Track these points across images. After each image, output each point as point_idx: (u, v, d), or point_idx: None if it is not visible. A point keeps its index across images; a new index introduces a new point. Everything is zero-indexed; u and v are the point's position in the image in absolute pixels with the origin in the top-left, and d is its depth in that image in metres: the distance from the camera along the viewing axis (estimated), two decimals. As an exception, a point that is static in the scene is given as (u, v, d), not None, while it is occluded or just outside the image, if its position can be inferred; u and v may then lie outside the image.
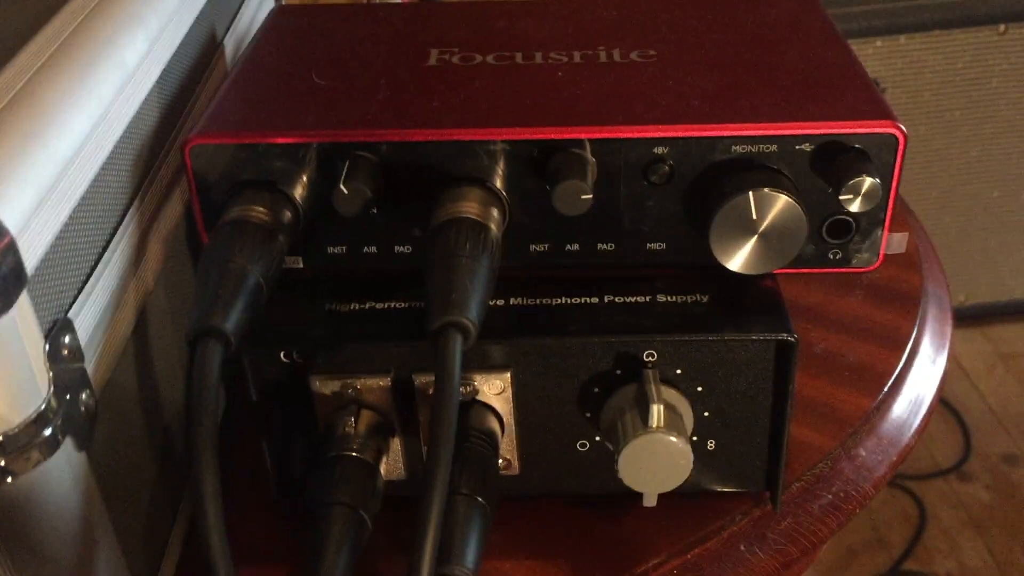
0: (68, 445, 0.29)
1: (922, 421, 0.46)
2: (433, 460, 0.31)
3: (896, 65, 1.53)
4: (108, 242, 0.33)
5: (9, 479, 0.27)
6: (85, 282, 0.31)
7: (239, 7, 0.51)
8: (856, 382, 0.46)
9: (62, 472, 0.28)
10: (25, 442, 0.27)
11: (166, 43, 0.39)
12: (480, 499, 0.35)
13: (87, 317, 0.31)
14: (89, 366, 0.30)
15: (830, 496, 0.42)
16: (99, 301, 0.32)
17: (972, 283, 1.74)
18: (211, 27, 0.46)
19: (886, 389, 0.46)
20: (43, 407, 0.27)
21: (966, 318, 1.77)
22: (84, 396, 0.30)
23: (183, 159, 0.36)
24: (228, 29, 0.49)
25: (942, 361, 0.50)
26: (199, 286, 0.33)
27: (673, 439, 0.35)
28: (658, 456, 0.35)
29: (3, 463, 0.27)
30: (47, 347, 0.28)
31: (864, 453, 0.44)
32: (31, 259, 0.27)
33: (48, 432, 0.28)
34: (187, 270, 0.40)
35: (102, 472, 0.31)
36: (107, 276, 0.32)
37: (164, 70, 0.39)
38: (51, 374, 0.28)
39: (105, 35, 0.35)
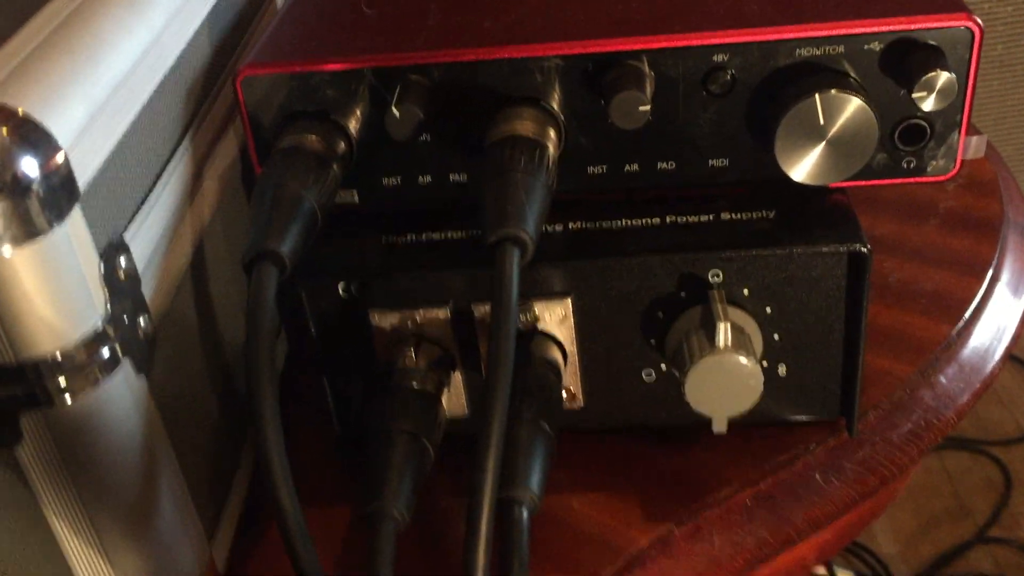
0: (127, 367, 0.28)
1: (1006, 349, 0.44)
2: (493, 379, 0.30)
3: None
4: (162, 170, 0.33)
5: (69, 398, 0.27)
6: (139, 207, 0.31)
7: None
8: (934, 310, 0.44)
9: (122, 394, 0.28)
10: (84, 360, 0.27)
11: (216, -21, 0.39)
12: (544, 425, 0.34)
13: (142, 242, 0.31)
14: (146, 291, 0.30)
15: (910, 424, 0.40)
16: (154, 227, 0.32)
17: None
18: (261, -29, 0.46)
19: (967, 316, 0.44)
20: (100, 325, 0.27)
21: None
22: (142, 321, 0.30)
23: (235, 90, 0.36)
24: (278, -24, 0.49)
25: (1026, 289, 0.47)
26: (254, 211, 0.32)
27: (742, 358, 0.34)
28: (726, 377, 0.34)
29: (63, 382, 0.27)
30: (102, 266, 0.28)
31: (944, 380, 0.42)
32: (83, 175, 0.27)
33: (106, 352, 0.27)
34: (243, 209, 0.40)
35: (163, 400, 0.31)
36: (161, 204, 0.32)
37: (215, 4, 0.38)
38: (107, 293, 0.28)
39: (153, -32, 0.35)
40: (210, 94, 0.37)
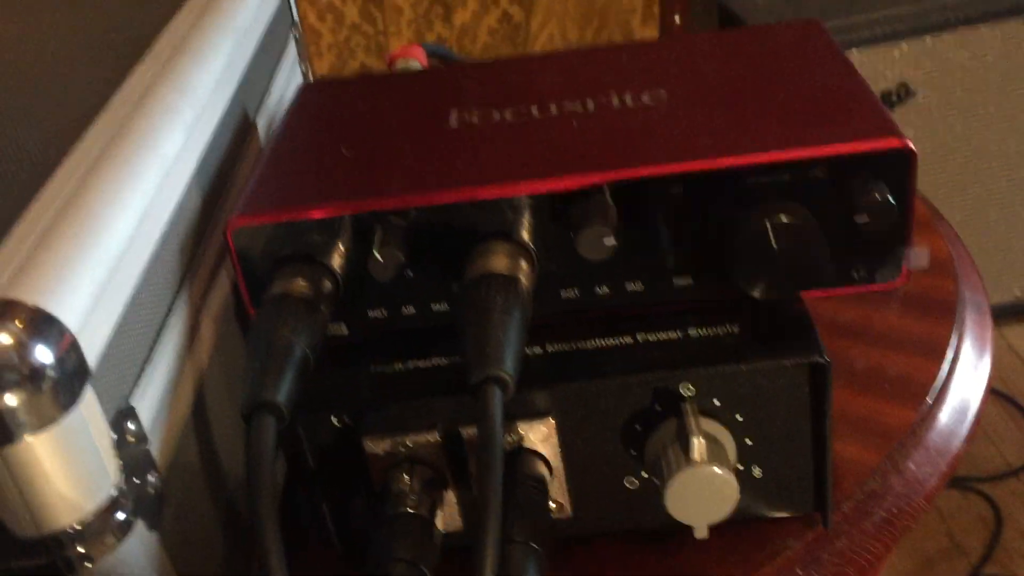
0: (140, 527, 0.30)
1: (970, 428, 0.46)
2: (483, 511, 0.32)
3: (925, 66, 1.52)
4: (161, 327, 0.35)
5: (88, 564, 0.29)
6: (143, 368, 0.33)
7: (268, 86, 0.54)
8: (899, 394, 0.47)
9: (137, 553, 0.30)
10: (100, 528, 0.29)
11: (202, 131, 0.42)
12: (534, 545, 0.36)
13: (148, 401, 0.33)
14: (153, 448, 0.32)
15: (883, 512, 0.42)
16: (158, 384, 0.34)
17: (1026, 277, 1.71)
18: (243, 108, 0.48)
19: (930, 399, 0.46)
20: (115, 493, 0.29)
21: (1023, 311, 1.74)
22: (151, 478, 0.32)
23: (225, 241, 0.38)
24: (259, 108, 0.51)
25: (985, 366, 0.50)
26: (249, 362, 0.35)
27: (716, 470, 0.36)
28: (704, 488, 0.36)
29: (83, 549, 0.29)
30: (113, 435, 0.30)
31: (913, 466, 0.44)
32: (92, 354, 0.29)
33: (121, 516, 0.29)
34: (239, 344, 0.42)
35: (173, 548, 0.33)
36: (164, 360, 0.34)
37: (202, 156, 0.41)
38: (119, 461, 0.30)
39: (145, 133, 0.37)
40: (201, 244, 0.40)
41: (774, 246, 0.36)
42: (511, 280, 0.36)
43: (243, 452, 0.38)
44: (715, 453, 0.36)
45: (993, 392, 1.65)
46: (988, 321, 0.53)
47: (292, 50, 0.61)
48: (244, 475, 0.38)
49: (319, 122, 0.46)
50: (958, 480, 1.48)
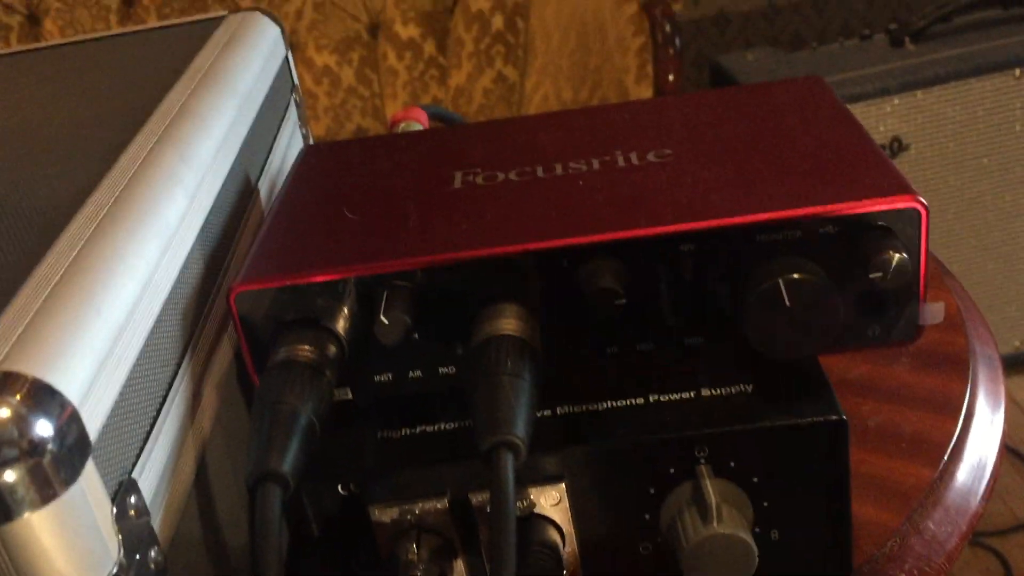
0: (140, 603, 0.29)
1: (988, 486, 0.46)
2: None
3: (916, 120, 1.54)
4: (164, 397, 0.34)
5: (87, 644, 0.27)
6: (146, 440, 0.32)
7: (270, 150, 0.54)
8: (915, 453, 0.46)
9: (137, 631, 0.29)
10: (100, 606, 0.28)
11: (204, 196, 0.41)
12: (549, 614, 0.35)
13: (150, 475, 0.32)
14: (155, 522, 0.31)
15: (903, 575, 0.41)
16: (160, 456, 0.33)
17: (1025, 328, 1.71)
18: (245, 173, 0.48)
19: (946, 457, 0.45)
20: (115, 571, 0.28)
21: (1023, 364, 1.74)
22: (152, 553, 0.31)
23: (229, 307, 0.37)
24: (261, 172, 0.51)
25: (999, 420, 0.49)
26: (254, 431, 0.34)
27: (734, 534, 0.35)
28: (721, 553, 0.35)
29: (81, 628, 0.27)
30: (114, 510, 0.29)
31: (933, 526, 0.43)
32: (93, 426, 0.28)
33: (121, 593, 0.28)
34: (242, 412, 0.41)
35: (175, 626, 0.32)
36: (166, 431, 0.34)
37: (204, 222, 0.40)
38: (120, 536, 0.29)
39: (147, 199, 0.37)
40: (204, 311, 0.39)
41: (787, 304, 0.35)
42: (520, 342, 0.35)
43: (247, 523, 0.37)
44: (732, 516, 0.35)
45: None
46: (1000, 375, 0.52)
47: (293, 114, 0.62)
48: (248, 547, 0.37)
49: (322, 185, 0.45)
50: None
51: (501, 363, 0.34)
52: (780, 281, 0.35)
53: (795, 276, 0.35)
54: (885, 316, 0.37)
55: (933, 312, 0.37)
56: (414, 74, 1.70)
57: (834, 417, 0.36)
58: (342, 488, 0.38)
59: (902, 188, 0.36)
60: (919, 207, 0.35)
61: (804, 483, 0.37)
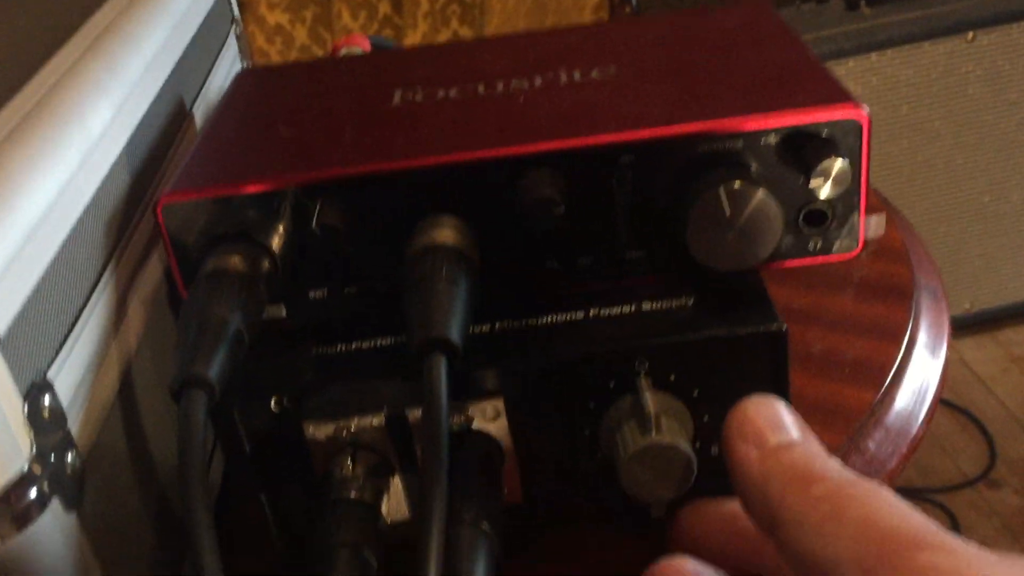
0: (56, 506, 0.28)
1: (928, 411, 0.46)
2: (428, 484, 0.30)
3: (871, 83, 1.54)
4: (84, 304, 0.33)
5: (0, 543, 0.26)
6: (63, 343, 0.31)
7: (206, 78, 0.52)
8: (857, 377, 0.46)
9: (52, 534, 0.28)
10: (12, 504, 0.27)
11: (132, 111, 0.40)
12: (485, 526, 0.34)
13: (67, 378, 0.30)
14: (73, 427, 0.30)
15: (843, 493, 0.41)
16: (79, 362, 0.32)
17: (975, 290, 1.74)
18: (179, 96, 0.47)
19: (888, 381, 0.45)
20: (26, 468, 0.27)
21: (974, 325, 1.77)
22: (69, 457, 0.30)
23: (155, 219, 0.36)
24: (196, 98, 0.49)
25: (942, 351, 0.49)
26: (180, 339, 0.33)
27: (672, 443, 0.34)
28: (660, 463, 0.35)
29: (-9, 528, 0.26)
30: (26, 408, 0.28)
31: (873, 446, 0.43)
32: (2, 321, 0.27)
33: (33, 494, 0.27)
34: (171, 333, 0.40)
35: (96, 535, 0.31)
36: (86, 337, 0.32)
37: (132, 137, 0.39)
38: (33, 435, 0.28)
39: (69, 105, 0.35)
40: (131, 223, 0.38)
41: (727, 213, 0.35)
42: (457, 252, 0.35)
43: (175, 435, 0.36)
44: (672, 428, 0.35)
45: (947, 404, 1.67)
46: (944, 307, 0.52)
47: (233, 46, 0.60)
48: (176, 463, 0.36)
49: (257, 104, 0.44)
50: (914, 491, 1.49)
51: (436, 271, 0.33)
52: (721, 190, 0.35)
53: (736, 184, 0.34)
54: (827, 228, 0.37)
55: (875, 223, 0.37)
56: (369, 32, 1.68)
57: (774, 326, 0.35)
58: (275, 404, 0.37)
59: (844, 98, 0.36)
60: (860, 117, 0.35)
61: (744, 394, 0.37)
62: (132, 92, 0.40)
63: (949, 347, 0.49)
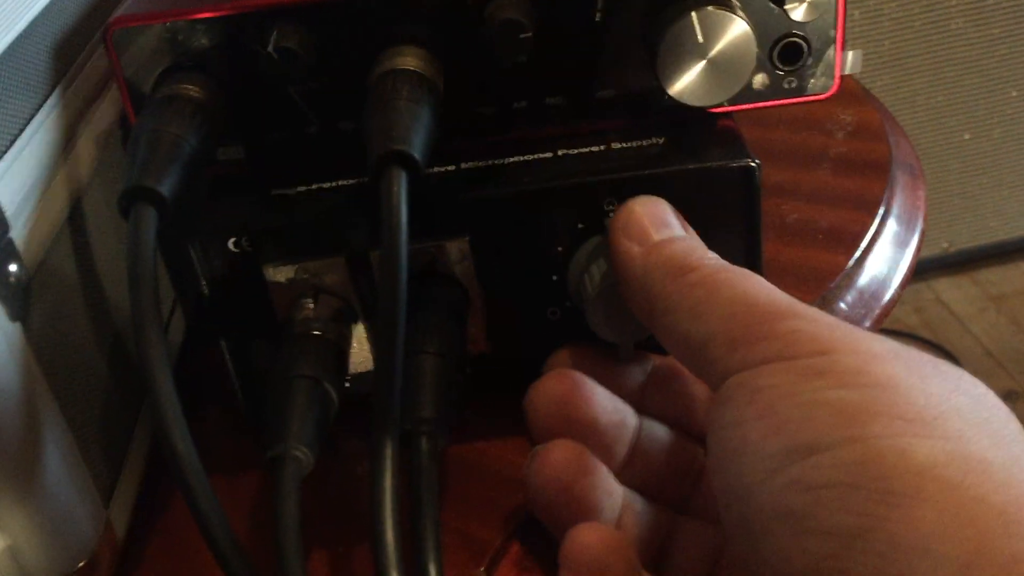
0: (-1, 311, 0.27)
1: (903, 278, 0.45)
2: (387, 303, 0.29)
3: (853, 16, 1.52)
4: (29, 119, 0.31)
5: (-65, 341, 0.25)
6: (5, 151, 0.30)
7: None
8: (831, 243, 0.45)
9: (-6, 338, 0.27)
10: (-52, 299, 0.25)
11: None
12: (450, 361, 0.33)
13: (9, 186, 0.29)
14: (17, 239, 0.29)
15: (815, 349, 0.40)
16: (21, 176, 0.30)
17: (954, 229, 1.74)
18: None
19: (863, 245, 0.45)
20: (-36, 265, 0.26)
21: (952, 264, 1.77)
22: (13, 267, 0.28)
23: (105, 44, 0.34)
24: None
25: (919, 223, 0.49)
26: (129, 157, 0.31)
27: (640, 274, 0.33)
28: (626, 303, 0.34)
29: (-73, 325, 0.25)
30: (-36, 204, 0.26)
31: (846, 307, 0.42)
32: (-63, 107, 0.25)
33: (-27, 293, 0.26)
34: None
35: (44, 352, 0.30)
36: (29, 154, 0.31)
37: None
38: (-29, 235, 0.26)
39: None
40: (82, 52, 0.36)
41: (699, 39, 0.34)
42: (420, 76, 0.33)
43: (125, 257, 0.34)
44: (640, 264, 0.34)
45: (923, 341, 1.68)
46: (921, 183, 0.51)
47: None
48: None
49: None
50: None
51: (397, 91, 0.32)
52: (693, 15, 0.33)
53: (709, 8, 0.33)
54: (802, 63, 0.36)
55: (852, 59, 0.36)
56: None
57: (745, 160, 0.34)
58: (233, 245, 0.36)
59: (821, -77, 0.35)
60: (837, -62, 0.34)
61: (717, 235, 0.36)
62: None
63: (924, 221, 0.49)
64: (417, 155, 0.30)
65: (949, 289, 1.78)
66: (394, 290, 0.29)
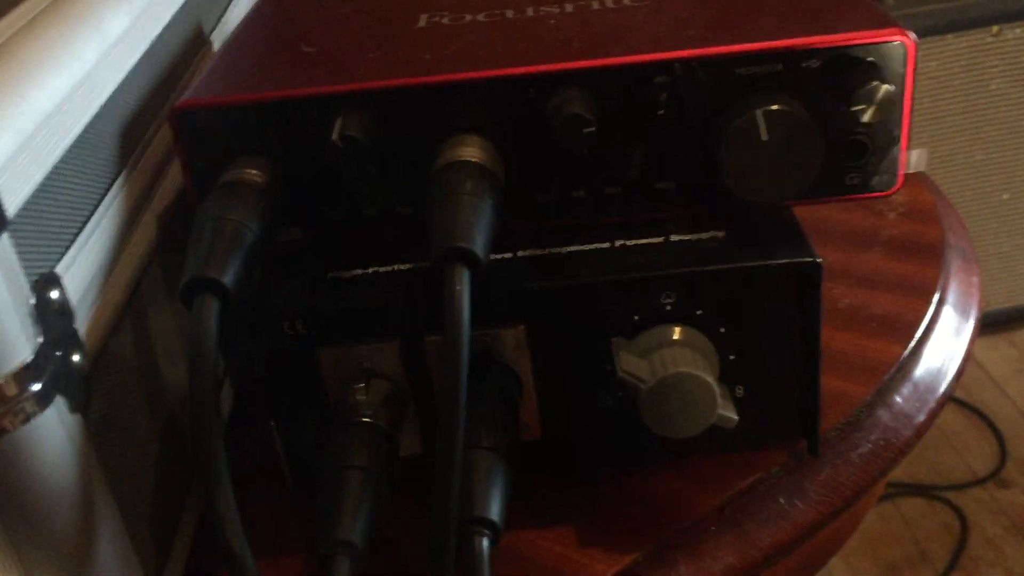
0: (60, 404, 0.27)
1: (959, 368, 0.44)
2: (449, 398, 0.29)
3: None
4: (96, 205, 0.32)
5: (4, 432, 0.25)
6: (73, 241, 0.30)
7: (227, 5, 0.51)
8: (885, 331, 0.44)
9: (55, 431, 0.27)
10: (14, 393, 0.25)
11: (151, 20, 0.39)
12: (504, 454, 0.33)
13: (76, 277, 0.29)
14: (80, 328, 0.29)
15: (869, 444, 0.40)
16: (88, 263, 0.30)
17: (990, 289, 1.71)
18: (198, 21, 0.45)
19: (918, 335, 0.44)
20: (30, 359, 0.26)
21: (988, 325, 1.74)
22: (76, 357, 0.28)
23: (171, 126, 0.35)
24: (215, 26, 0.48)
25: (973, 311, 0.48)
26: (191, 244, 0.31)
27: (695, 372, 0.33)
28: (682, 394, 0.33)
29: (-6, 418, 0.25)
30: (34, 298, 0.26)
31: (901, 400, 0.42)
32: (12, 203, 0.26)
33: (38, 387, 0.26)
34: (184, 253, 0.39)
35: (101, 443, 0.29)
36: (96, 239, 0.31)
37: (150, 49, 0.38)
38: (39, 327, 0.26)
39: (86, 5, 0.34)
40: (147, 134, 0.37)
41: (764, 138, 0.33)
42: (482, 168, 0.33)
43: (184, 354, 0.35)
44: (696, 360, 0.34)
45: (958, 403, 1.65)
46: (975, 268, 0.51)
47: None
48: (184, 383, 0.35)
49: (279, 23, 0.43)
50: (924, 488, 1.47)
51: (460, 183, 0.32)
52: (758, 113, 0.33)
53: (774, 107, 0.33)
54: (866, 161, 0.36)
55: (917, 158, 0.35)
56: None
57: (808, 259, 0.34)
58: (287, 327, 0.36)
59: (889, 23, 0.34)
60: (906, 40, 0.34)
61: (774, 334, 0.35)
62: (151, 4, 0.39)
63: (979, 309, 0.48)
64: (479, 253, 0.30)
65: (985, 350, 1.76)
66: (455, 390, 0.29)
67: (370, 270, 0.37)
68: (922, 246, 0.50)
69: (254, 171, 0.34)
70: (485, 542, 0.30)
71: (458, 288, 0.29)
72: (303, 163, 0.36)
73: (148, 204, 0.36)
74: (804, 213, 0.37)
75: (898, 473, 1.46)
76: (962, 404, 1.63)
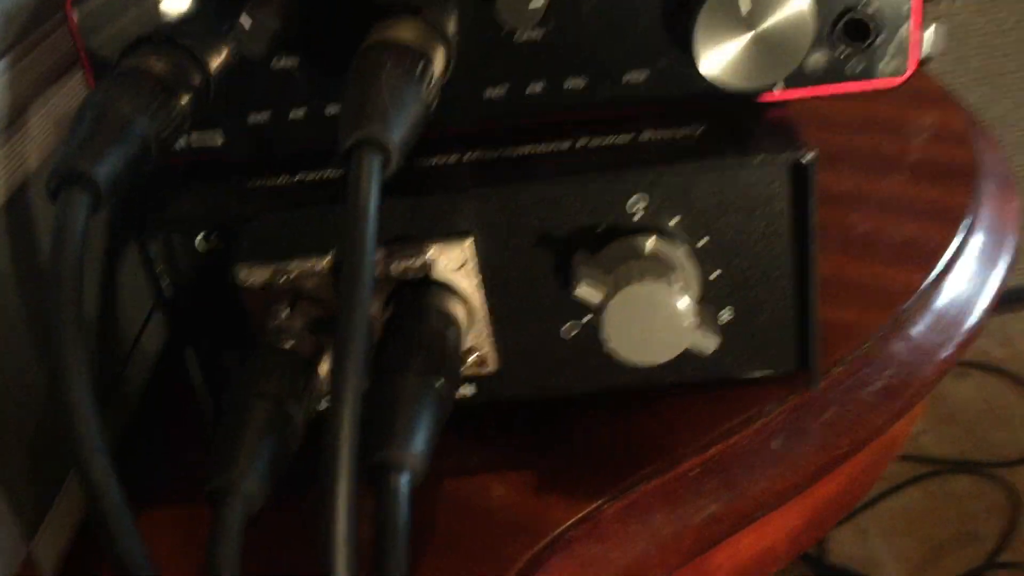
0: None
1: (991, 300, 0.39)
2: (347, 312, 0.24)
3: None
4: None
5: None
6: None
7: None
8: (905, 259, 0.39)
9: None
10: None
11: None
12: (437, 383, 0.28)
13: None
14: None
15: (883, 381, 0.34)
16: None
17: (1045, 258, 1.63)
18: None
19: (943, 263, 0.38)
20: None
21: (1034, 298, 1.66)
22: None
23: (66, 13, 0.30)
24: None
25: (1010, 239, 0.42)
26: (68, 132, 0.27)
27: (664, 285, 0.28)
28: (642, 312, 0.28)
29: None
30: None
31: (920, 333, 0.36)
32: None
33: None
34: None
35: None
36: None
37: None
38: None
39: None
40: (39, 25, 0.32)
41: (744, 11, 0.28)
42: (415, 52, 0.28)
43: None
44: (665, 276, 0.29)
45: (1008, 375, 1.57)
46: (1014, 195, 0.45)
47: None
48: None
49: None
50: (973, 465, 1.40)
51: (382, 64, 0.27)
52: (738, -22, 0.28)
53: (756, -29, 0.28)
54: (871, 42, 0.30)
55: (932, 35, 0.30)
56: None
57: (799, 151, 0.29)
58: (201, 241, 0.31)
59: None
60: None
61: (763, 247, 0.30)
62: None
63: (1018, 236, 0.42)
64: (393, 142, 0.25)
65: (1037, 323, 1.67)
66: (354, 292, 0.24)
67: (297, 177, 0.32)
68: (952, 170, 0.44)
69: (156, 60, 0.30)
70: (403, 479, 0.26)
71: (365, 182, 0.25)
72: (219, 58, 0.31)
73: (41, 103, 0.32)
74: (815, 138, 0.31)
75: (945, 449, 1.40)
76: (1012, 377, 1.55)
